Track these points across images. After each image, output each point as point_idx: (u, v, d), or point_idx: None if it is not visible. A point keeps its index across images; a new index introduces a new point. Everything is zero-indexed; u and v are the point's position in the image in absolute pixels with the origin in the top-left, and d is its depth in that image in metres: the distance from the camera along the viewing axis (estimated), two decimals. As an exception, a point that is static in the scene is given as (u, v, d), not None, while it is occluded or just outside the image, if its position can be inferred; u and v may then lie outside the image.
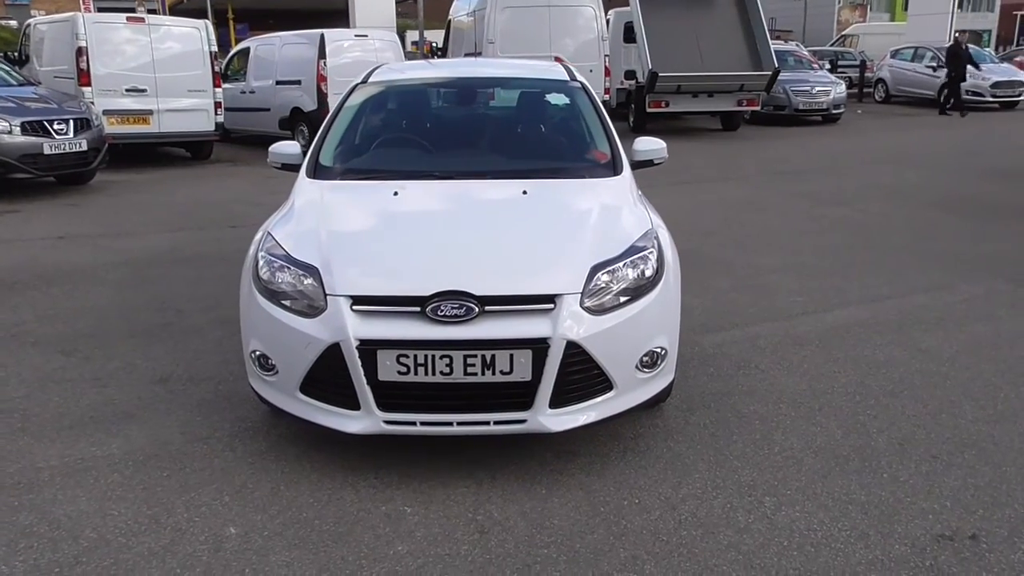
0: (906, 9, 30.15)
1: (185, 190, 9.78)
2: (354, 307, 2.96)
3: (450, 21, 16.82)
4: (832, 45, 29.66)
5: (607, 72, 13.88)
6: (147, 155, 11.99)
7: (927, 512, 2.86)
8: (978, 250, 6.65)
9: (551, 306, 2.96)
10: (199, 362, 4.30)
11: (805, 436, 3.46)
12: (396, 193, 3.63)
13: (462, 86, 4.68)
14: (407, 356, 2.90)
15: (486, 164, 4.03)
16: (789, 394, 3.88)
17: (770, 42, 15.07)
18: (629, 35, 15.61)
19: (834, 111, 17.43)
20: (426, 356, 2.90)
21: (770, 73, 14.48)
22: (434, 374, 2.92)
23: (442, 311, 2.91)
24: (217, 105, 11.28)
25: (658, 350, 3.21)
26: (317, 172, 3.94)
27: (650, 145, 4.16)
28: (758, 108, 15.52)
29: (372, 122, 4.43)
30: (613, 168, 3.96)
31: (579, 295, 3.00)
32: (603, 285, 3.07)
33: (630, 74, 15.29)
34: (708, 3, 14.97)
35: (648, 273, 3.21)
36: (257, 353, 3.21)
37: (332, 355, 2.95)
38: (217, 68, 11.40)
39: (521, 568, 2.58)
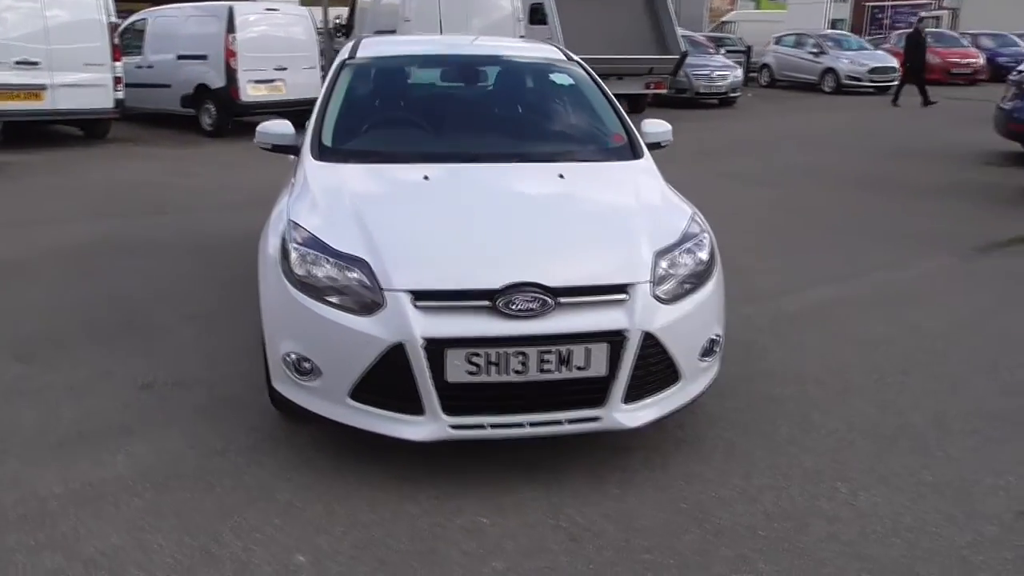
0: (771, -1, 31.60)
1: (95, 173, 8.93)
2: (417, 303, 2.71)
3: (354, -2, 16.19)
4: (712, 31, 30.63)
5: (523, 52, 13.70)
6: (36, 134, 10.89)
7: (997, 489, 2.91)
8: (914, 227, 6.94)
9: (624, 296, 2.81)
10: (181, 364, 3.87)
11: (843, 417, 3.47)
12: (426, 177, 3.36)
13: (461, 63, 4.40)
14: (478, 355, 2.69)
15: (504, 146, 3.82)
16: (809, 375, 3.89)
17: (676, 26, 15.33)
18: (535, 16, 15.49)
19: (731, 94, 17.98)
20: (499, 354, 2.69)
21: (678, 56, 14.74)
22: (507, 373, 2.72)
23: (515, 305, 2.71)
24: (117, 80, 10.36)
25: (715, 337, 3.13)
26: (324, 154, 3.60)
27: (659, 127, 4.06)
28: (666, 91, 15.78)
29: (373, 100, 4.13)
30: (632, 150, 3.82)
31: (650, 284, 2.86)
32: (665, 272, 2.95)
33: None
34: None
35: (704, 258, 3.11)
36: (294, 356, 2.89)
37: (393, 356, 2.69)
38: (116, 40, 10.45)
39: (633, 577, 2.44)
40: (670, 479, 2.97)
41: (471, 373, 2.70)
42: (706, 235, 3.20)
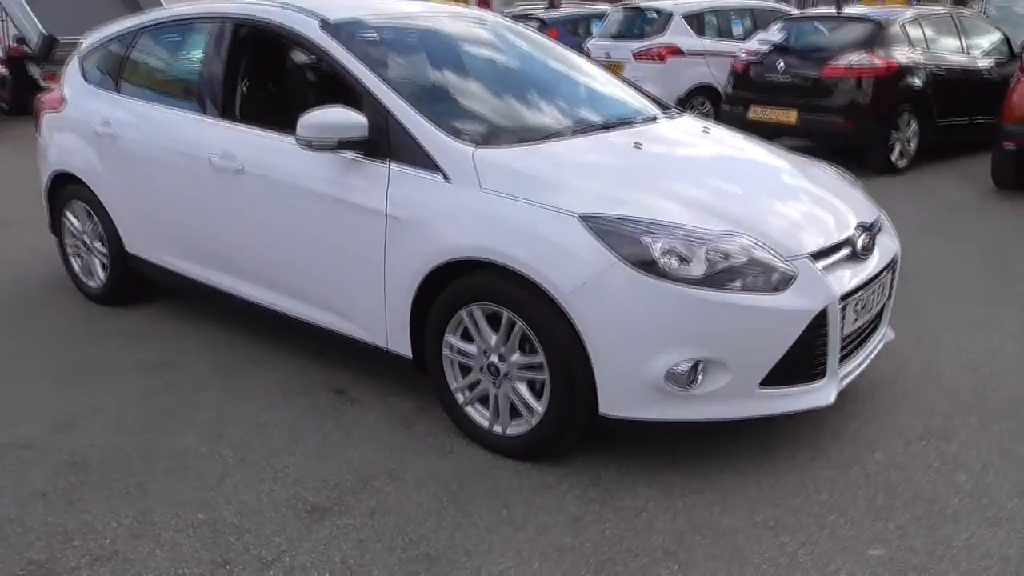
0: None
1: None
2: (817, 264, 2.61)
3: None
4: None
5: None
6: None
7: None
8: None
9: (879, 226, 3.12)
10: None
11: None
12: (638, 144, 3.02)
13: (459, 30, 3.70)
14: (859, 301, 2.75)
15: (609, 110, 3.51)
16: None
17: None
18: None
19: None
20: (867, 296, 2.80)
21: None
22: (867, 312, 2.85)
23: (864, 246, 2.82)
24: None
25: None
26: (480, 141, 2.89)
27: None
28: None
29: (435, 74, 3.31)
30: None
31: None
32: None
33: (22, 41, 12.11)
34: None
35: None
36: (686, 365, 2.47)
37: (811, 326, 2.56)
38: None
39: None
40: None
41: (854, 321, 2.75)
42: None
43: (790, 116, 7.73)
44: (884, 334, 3.15)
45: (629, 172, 2.87)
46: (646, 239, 2.47)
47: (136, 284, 4.21)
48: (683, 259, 2.46)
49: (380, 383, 3.34)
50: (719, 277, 2.47)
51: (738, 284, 2.48)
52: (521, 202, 2.63)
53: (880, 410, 3.13)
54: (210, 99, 3.55)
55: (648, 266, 2.45)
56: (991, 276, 4.76)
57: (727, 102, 8.54)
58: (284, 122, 3.13)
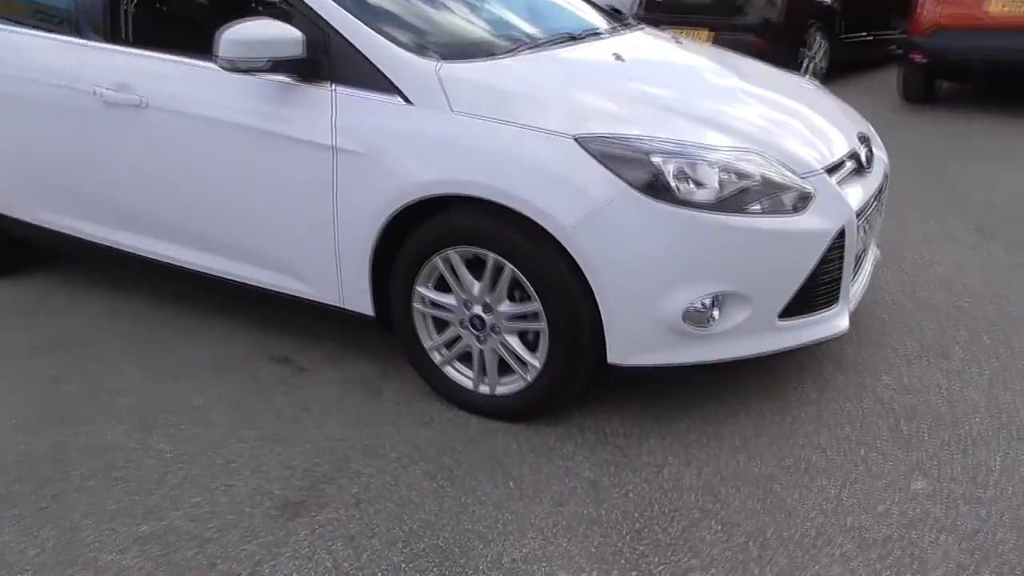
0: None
1: None
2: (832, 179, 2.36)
3: None
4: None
5: None
6: None
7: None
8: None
9: (872, 137, 2.91)
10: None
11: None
12: (618, 56, 2.66)
13: None
14: (867, 218, 2.54)
15: (571, 22, 3.08)
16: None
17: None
18: None
19: None
20: (872, 212, 2.59)
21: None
22: (872, 229, 2.66)
23: (867, 158, 2.60)
24: None
25: None
26: (445, 56, 2.44)
27: None
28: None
29: None
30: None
31: None
32: None
33: None
34: None
35: None
36: (704, 302, 2.19)
37: (831, 248, 2.32)
38: None
39: None
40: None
41: (862, 239, 2.53)
42: None
43: (702, 36, 7.52)
44: (874, 253, 2.98)
45: (619, 86, 2.50)
46: (656, 159, 2.14)
47: (9, 250, 3.55)
48: (695, 181, 2.16)
49: (327, 347, 2.92)
50: (734, 200, 2.18)
51: (756, 207, 2.20)
52: (504, 125, 2.23)
53: (872, 332, 2.98)
54: (88, 19, 2.93)
55: (659, 191, 2.13)
56: (926, 187, 4.74)
57: (635, 25, 8.24)
58: (192, 44, 2.61)
